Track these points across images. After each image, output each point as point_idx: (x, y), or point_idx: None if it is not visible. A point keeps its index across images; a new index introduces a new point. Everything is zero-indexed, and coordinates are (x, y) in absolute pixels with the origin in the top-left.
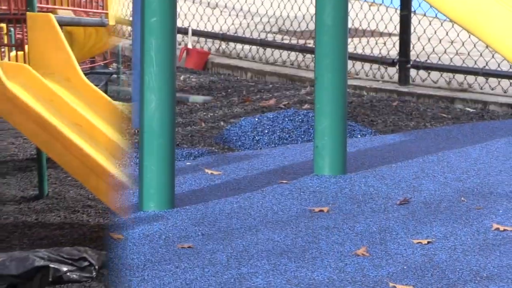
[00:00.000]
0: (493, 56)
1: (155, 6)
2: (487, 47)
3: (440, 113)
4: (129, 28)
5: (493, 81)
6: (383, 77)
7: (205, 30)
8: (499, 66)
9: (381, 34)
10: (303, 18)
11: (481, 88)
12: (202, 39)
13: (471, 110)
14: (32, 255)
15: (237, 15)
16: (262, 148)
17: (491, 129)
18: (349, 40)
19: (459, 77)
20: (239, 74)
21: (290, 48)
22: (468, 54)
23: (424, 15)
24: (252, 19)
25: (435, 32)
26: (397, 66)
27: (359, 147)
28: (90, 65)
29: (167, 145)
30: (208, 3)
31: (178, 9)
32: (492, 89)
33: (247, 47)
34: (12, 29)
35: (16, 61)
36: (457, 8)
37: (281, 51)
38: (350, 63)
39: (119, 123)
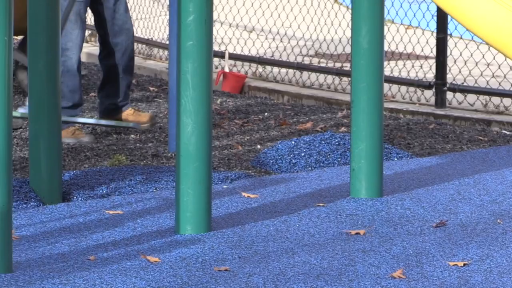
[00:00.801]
0: None
1: (191, 30)
2: None
3: (477, 136)
4: (166, 52)
5: None
6: (420, 100)
7: (242, 53)
8: None
9: (418, 57)
10: (339, 42)
11: None
12: (239, 63)
13: (508, 133)
14: None
15: (273, 39)
16: (299, 171)
17: None
18: (386, 63)
19: (496, 99)
20: (275, 97)
21: (327, 71)
22: (505, 76)
23: (461, 37)
24: (288, 42)
25: (472, 55)
26: (433, 89)
27: (396, 170)
28: None
29: (204, 169)
30: (245, 27)
31: (214, 33)
32: None
33: (283, 70)
34: None
35: None
36: (486, 28)
37: (317, 74)
38: (386, 86)
39: None
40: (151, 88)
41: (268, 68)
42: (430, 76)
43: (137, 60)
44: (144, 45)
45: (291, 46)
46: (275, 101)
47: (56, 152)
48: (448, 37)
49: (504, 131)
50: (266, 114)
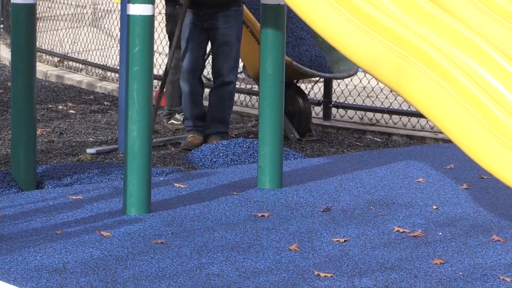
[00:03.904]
0: (395, 98)
1: (137, 58)
2: (391, 91)
3: (355, 142)
4: (117, 74)
5: (395, 117)
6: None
7: None
8: (400, 106)
9: (310, 81)
10: None
11: (386, 123)
12: None
13: (379, 140)
14: None
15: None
16: (218, 167)
17: (393, 154)
18: None
19: (370, 114)
20: None
21: (240, 91)
22: (377, 96)
23: None
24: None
25: (351, 80)
26: (322, 106)
27: (292, 167)
28: None
29: (145, 165)
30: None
31: (154, 61)
32: (395, 124)
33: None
34: None
35: None
36: (363, 58)
37: None
38: None
39: None
40: (105, 103)
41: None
42: (319, 96)
43: (94, 81)
44: (100, 69)
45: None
46: None
47: (32, 151)
48: None
49: (375, 139)
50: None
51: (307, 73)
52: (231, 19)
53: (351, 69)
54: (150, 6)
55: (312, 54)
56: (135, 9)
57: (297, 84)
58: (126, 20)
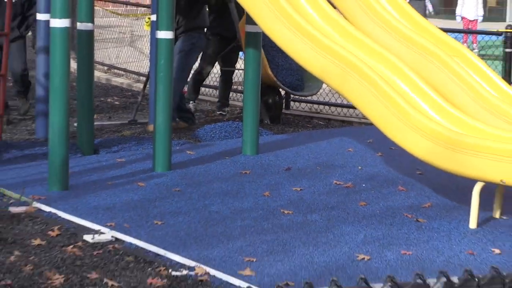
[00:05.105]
0: (333, 95)
1: (162, 67)
2: (330, 89)
3: (306, 124)
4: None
5: (333, 108)
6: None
7: None
8: (336, 100)
9: None
10: (240, 75)
11: (327, 112)
12: None
13: (322, 123)
14: None
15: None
16: (216, 141)
17: (332, 133)
18: None
19: (316, 106)
20: (205, 103)
21: (233, 90)
22: (320, 94)
23: None
24: (214, 76)
25: None
26: (284, 99)
27: (265, 141)
28: None
29: (167, 138)
30: None
31: None
32: (332, 112)
33: (209, 90)
34: None
35: None
36: (312, 66)
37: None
38: None
39: None
40: (139, 97)
41: (206, 89)
42: (283, 92)
43: (132, 83)
44: (135, 75)
45: (215, 77)
46: (205, 104)
47: (91, 129)
48: None
49: (320, 122)
50: (198, 113)
51: (285, 90)
52: (184, 39)
53: (315, 88)
54: (171, 32)
55: (293, 79)
56: (161, 34)
57: (279, 89)
58: (155, 42)
